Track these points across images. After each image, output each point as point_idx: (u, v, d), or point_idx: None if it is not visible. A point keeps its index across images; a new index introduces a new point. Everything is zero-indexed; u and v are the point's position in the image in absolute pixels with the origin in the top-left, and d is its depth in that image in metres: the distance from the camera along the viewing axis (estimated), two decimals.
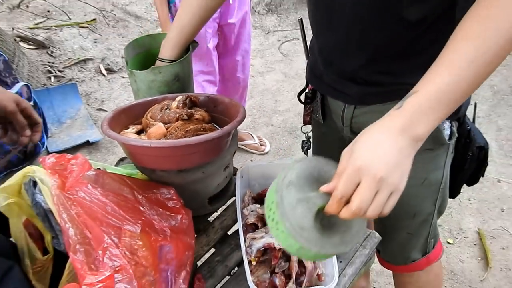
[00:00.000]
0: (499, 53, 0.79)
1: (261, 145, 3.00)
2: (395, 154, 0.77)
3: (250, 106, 3.34)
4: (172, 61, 1.27)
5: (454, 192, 1.40)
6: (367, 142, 0.80)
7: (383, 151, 0.77)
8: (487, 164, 1.35)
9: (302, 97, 1.41)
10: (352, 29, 1.09)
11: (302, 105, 1.43)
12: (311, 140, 1.48)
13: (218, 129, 1.19)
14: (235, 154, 1.22)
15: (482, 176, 1.39)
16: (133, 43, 1.40)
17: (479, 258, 2.37)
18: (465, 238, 2.46)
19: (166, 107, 1.18)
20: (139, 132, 1.19)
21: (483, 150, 1.30)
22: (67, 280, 0.95)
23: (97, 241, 0.92)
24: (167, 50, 1.29)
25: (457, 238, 2.46)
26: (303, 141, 1.47)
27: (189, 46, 1.34)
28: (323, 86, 1.28)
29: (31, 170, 0.97)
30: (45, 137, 2.93)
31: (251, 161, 2.94)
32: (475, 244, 2.44)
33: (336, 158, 1.51)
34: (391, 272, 1.62)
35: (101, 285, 0.83)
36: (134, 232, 1.00)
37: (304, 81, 1.38)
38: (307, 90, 1.39)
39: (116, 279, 0.90)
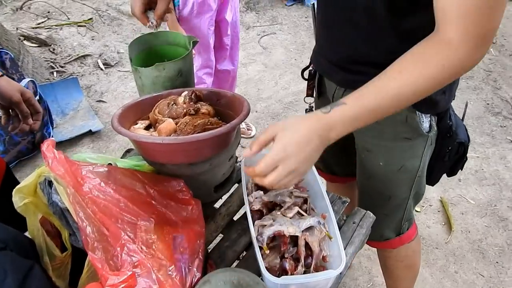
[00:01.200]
0: (421, 94, 0.82)
1: (247, 129, 2.89)
2: (310, 152, 0.81)
3: None
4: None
5: (432, 181, 1.31)
6: (294, 136, 0.81)
7: (303, 151, 0.80)
8: (466, 159, 1.25)
9: (306, 74, 1.32)
10: (340, 29, 1.04)
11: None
12: (313, 110, 1.39)
13: (222, 122, 1.08)
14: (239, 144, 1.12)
15: (461, 169, 1.29)
16: (136, 41, 1.26)
17: (443, 223, 2.33)
18: (430, 206, 2.42)
19: (172, 103, 1.06)
20: (147, 127, 1.07)
21: (463, 146, 1.20)
22: (86, 276, 0.84)
23: (115, 238, 0.81)
24: None
25: (423, 206, 2.42)
26: (306, 110, 1.39)
27: (191, 43, 1.21)
28: (320, 68, 1.22)
29: (46, 170, 0.84)
30: (50, 127, 2.77)
31: (240, 144, 2.83)
32: (438, 211, 2.40)
33: None
34: None
35: (124, 285, 0.73)
36: (148, 227, 0.89)
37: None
38: (310, 68, 1.30)
39: (136, 275, 0.79)
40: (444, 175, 1.32)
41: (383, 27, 0.89)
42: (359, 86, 1.09)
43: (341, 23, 1.02)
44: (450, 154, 1.20)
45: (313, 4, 1.33)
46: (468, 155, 1.35)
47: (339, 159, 1.51)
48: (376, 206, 1.27)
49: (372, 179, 1.23)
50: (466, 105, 1.28)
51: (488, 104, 3.28)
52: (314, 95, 1.39)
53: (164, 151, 0.95)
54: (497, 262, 2.13)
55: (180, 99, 1.06)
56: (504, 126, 3.02)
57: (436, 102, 1.06)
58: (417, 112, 1.06)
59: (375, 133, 1.13)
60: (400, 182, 1.21)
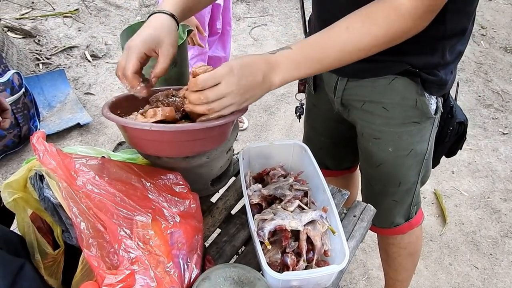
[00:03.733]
0: (363, 52, 0.85)
1: (239, 122, 2.85)
2: (252, 83, 0.81)
3: None
4: (170, 14, 0.96)
5: (433, 163, 1.32)
6: (240, 62, 0.81)
7: (245, 79, 0.80)
8: (466, 138, 1.28)
9: None
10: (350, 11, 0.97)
11: None
12: (304, 107, 1.36)
13: None
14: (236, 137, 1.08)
15: (460, 149, 1.32)
16: (128, 30, 1.22)
17: (437, 216, 2.33)
18: (424, 198, 2.42)
19: (172, 95, 1.01)
20: None
21: (463, 125, 1.23)
22: (81, 274, 0.80)
23: (112, 234, 0.78)
24: (168, 3, 0.97)
25: None
26: (296, 107, 1.37)
27: (185, 31, 1.17)
28: None
29: (36, 164, 0.80)
30: (37, 120, 2.70)
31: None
32: (432, 203, 2.40)
33: (322, 126, 1.41)
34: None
35: (122, 285, 0.69)
36: (145, 222, 0.85)
37: None
38: None
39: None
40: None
41: None
42: (369, 75, 1.08)
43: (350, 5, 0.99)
44: (450, 135, 1.23)
45: None
46: None
47: (334, 154, 1.50)
48: (387, 193, 1.27)
49: (382, 166, 1.22)
50: (458, 86, 1.30)
51: (479, 96, 3.29)
52: (307, 90, 1.37)
53: (156, 141, 0.89)
54: (490, 254, 2.14)
55: (182, 92, 1.01)
56: (496, 118, 3.04)
57: (445, 82, 1.06)
58: (426, 94, 1.06)
59: (383, 120, 1.13)
60: (410, 166, 1.20)
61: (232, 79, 0.79)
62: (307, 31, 1.27)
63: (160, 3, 1.01)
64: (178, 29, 0.97)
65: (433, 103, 1.10)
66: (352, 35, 0.83)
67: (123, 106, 1.02)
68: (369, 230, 1.20)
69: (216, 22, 2.28)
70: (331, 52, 0.84)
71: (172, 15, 0.95)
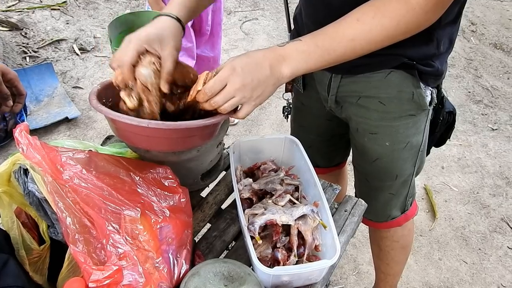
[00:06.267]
0: (374, 44, 0.84)
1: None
2: (258, 77, 0.81)
3: None
4: (176, 18, 0.92)
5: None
6: (244, 59, 0.81)
7: (250, 74, 0.80)
8: (454, 127, 1.29)
9: None
10: (345, 5, 0.95)
11: None
12: (291, 106, 1.35)
13: None
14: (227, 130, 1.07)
15: (449, 138, 1.33)
16: (116, 21, 1.19)
17: (427, 211, 2.34)
18: None
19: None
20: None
21: (452, 115, 1.24)
22: (67, 270, 0.79)
23: (99, 229, 0.76)
24: (174, 7, 0.93)
25: None
26: (284, 107, 1.35)
27: None
28: None
29: (21, 158, 0.78)
30: (24, 115, 2.66)
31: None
32: (422, 199, 2.41)
33: (312, 125, 1.39)
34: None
35: (109, 281, 0.68)
36: (134, 217, 0.83)
37: None
38: None
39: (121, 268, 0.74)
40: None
41: None
42: (364, 70, 1.06)
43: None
44: (441, 125, 1.23)
45: None
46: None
47: (324, 152, 1.49)
48: (383, 188, 1.27)
49: (378, 161, 1.21)
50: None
51: (469, 92, 3.30)
52: (294, 90, 1.34)
53: (149, 136, 0.87)
54: (479, 249, 2.15)
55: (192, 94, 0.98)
56: (486, 114, 3.06)
57: (441, 72, 1.07)
58: (422, 86, 1.06)
59: (379, 114, 1.12)
60: (406, 159, 1.20)
61: (237, 78, 0.79)
62: (292, 28, 1.25)
63: (169, 4, 0.96)
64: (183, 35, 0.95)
65: (428, 94, 1.09)
66: (363, 27, 0.82)
67: (108, 94, 0.99)
68: (359, 225, 1.19)
69: (204, 24, 2.23)
70: (341, 43, 0.83)
71: (178, 19, 0.91)
